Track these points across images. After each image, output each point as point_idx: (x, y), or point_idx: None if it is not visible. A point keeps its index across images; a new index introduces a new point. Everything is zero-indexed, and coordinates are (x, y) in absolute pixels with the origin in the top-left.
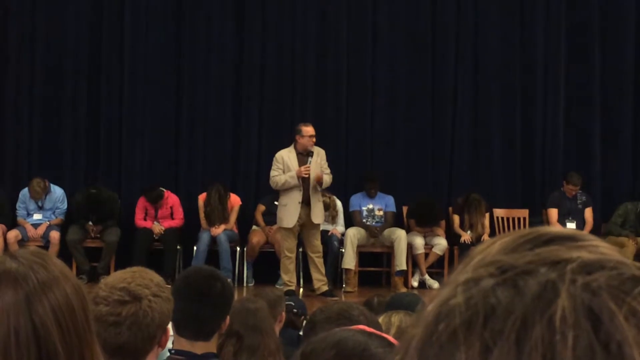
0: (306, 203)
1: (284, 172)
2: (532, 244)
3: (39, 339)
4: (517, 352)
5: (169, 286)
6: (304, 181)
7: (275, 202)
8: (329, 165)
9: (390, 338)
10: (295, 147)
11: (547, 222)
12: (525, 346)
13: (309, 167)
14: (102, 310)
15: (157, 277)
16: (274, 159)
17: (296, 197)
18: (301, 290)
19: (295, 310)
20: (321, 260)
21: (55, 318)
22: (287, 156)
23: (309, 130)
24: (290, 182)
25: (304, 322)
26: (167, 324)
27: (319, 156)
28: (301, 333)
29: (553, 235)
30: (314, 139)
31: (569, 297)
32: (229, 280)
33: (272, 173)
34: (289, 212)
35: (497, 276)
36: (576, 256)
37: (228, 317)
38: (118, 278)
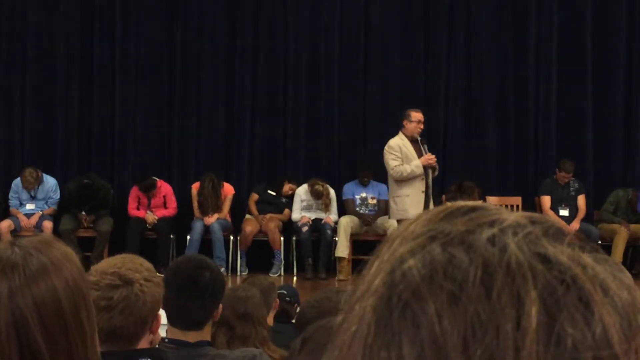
0: (426, 192)
1: (402, 160)
2: (452, 216)
3: (19, 332)
4: (487, 296)
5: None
6: (425, 170)
7: (270, 191)
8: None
9: None
10: (404, 134)
11: (540, 209)
12: (493, 290)
13: (434, 156)
14: (93, 295)
15: (147, 263)
16: (389, 147)
17: (419, 186)
18: (295, 278)
19: (288, 298)
20: None
21: (38, 312)
22: (402, 144)
23: (418, 115)
24: (416, 172)
25: (297, 309)
26: (158, 309)
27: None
28: (294, 321)
29: (469, 207)
30: (422, 125)
31: (517, 246)
32: (222, 269)
33: (392, 163)
34: (414, 202)
35: (442, 239)
36: (506, 216)
37: (221, 306)
38: (108, 264)
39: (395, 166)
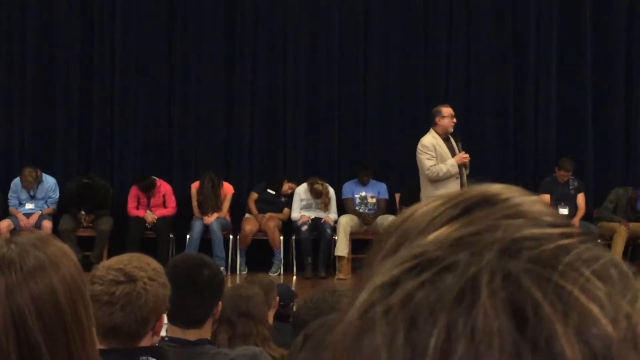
0: None
1: (437, 159)
2: (451, 213)
3: (17, 328)
4: None
5: None
6: (459, 168)
7: (269, 190)
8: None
9: None
10: (436, 131)
11: None
12: None
13: (467, 155)
14: (96, 289)
15: (155, 263)
16: (423, 147)
17: (454, 185)
18: (294, 278)
19: (282, 303)
20: None
21: (36, 308)
22: (435, 143)
23: (448, 110)
24: (451, 171)
25: (294, 307)
26: (163, 310)
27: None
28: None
29: (472, 202)
30: (455, 119)
31: (490, 295)
32: (222, 268)
33: (428, 163)
34: None
35: (415, 277)
36: (491, 240)
37: (220, 303)
38: (116, 260)
39: (431, 166)
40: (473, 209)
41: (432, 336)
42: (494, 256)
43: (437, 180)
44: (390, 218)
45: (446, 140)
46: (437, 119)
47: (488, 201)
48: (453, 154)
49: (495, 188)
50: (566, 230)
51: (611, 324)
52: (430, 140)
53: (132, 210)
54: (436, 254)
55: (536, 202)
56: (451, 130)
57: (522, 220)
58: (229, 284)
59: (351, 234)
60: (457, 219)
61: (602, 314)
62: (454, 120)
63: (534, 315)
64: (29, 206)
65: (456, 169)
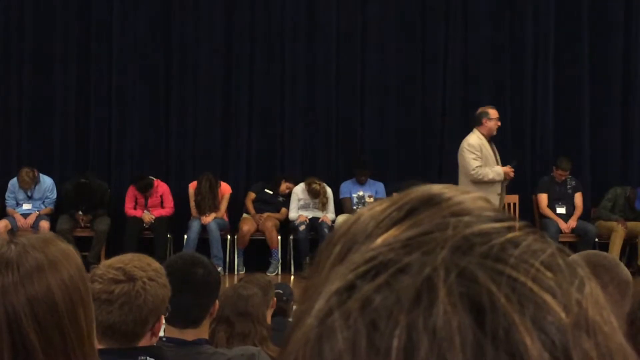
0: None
1: (482, 161)
2: (396, 216)
3: (11, 329)
4: None
5: None
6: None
7: (267, 190)
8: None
9: None
10: (481, 132)
11: (537, 207)
12: None
13: (513, 170)
14: (96, 287)
15: (156, 264)
16: (470, 146)
17: (495, 188)
18: (292, 278)
19: (285, 297)
20: None
21: (31, 309)
22: (482, 144)
23: (496, 112)
24: (496, 179)
25: (294, 307)
26: (162, 310)
27: None
28: (291, 319)
29: (416, 203)
30: (499, 123)
31: (447, 292)
32: (220, 268)
33: (474, 163)
34: None
35: (371, 281)
36: (443, 238)
37: (217, 302)
38: (117, 260)
39: (477, 167)
40: (418, 209)
41: (394, 337)
42: (447, 254)
43: (480, 183)
44: None
45: (489, 142)
46: (483, 120)
47: (431, 201)
48: (495, 156)
49: (437, 188)
50: (510, 223)
51: (564, 311)
52: (477, 140)
53: (130, 210)
54: (389, 257)
55: (477, 199)
56: (495, 133)
57: (468, 217)
58: (226, 284)
59: None
60: (403, 220)
61: (555, 302)
62: (499, 123)
63: (491, 308)
64: (27, 206)
65: (501, 178)
